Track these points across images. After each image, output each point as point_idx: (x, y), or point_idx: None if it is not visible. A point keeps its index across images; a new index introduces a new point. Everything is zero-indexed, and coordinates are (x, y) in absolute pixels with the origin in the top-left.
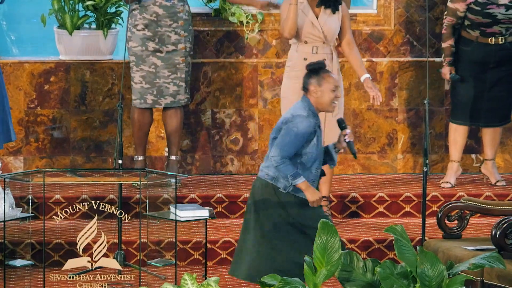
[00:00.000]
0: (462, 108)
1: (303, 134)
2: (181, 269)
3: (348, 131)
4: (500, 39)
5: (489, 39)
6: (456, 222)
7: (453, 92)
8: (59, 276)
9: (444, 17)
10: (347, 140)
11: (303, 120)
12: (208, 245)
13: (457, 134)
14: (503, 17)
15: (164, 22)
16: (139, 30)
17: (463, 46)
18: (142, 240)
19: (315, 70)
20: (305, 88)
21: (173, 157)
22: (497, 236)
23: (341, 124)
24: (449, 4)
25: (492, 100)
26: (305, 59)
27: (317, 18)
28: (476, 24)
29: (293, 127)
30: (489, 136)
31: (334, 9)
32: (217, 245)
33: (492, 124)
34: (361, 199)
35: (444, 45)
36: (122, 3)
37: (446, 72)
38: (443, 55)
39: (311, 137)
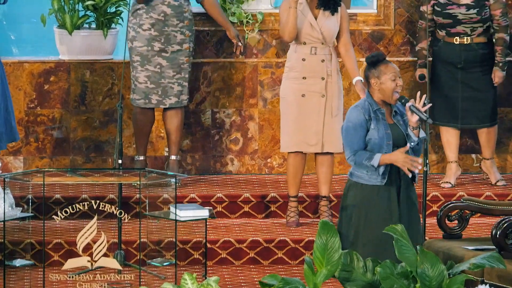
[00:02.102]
0: (440, 108)
1: (355, 124)
2: (181, 268)
3: (409, 103)
4: (465, 39)
5: (454, 38)
6: (456, 222)
7: (433, 94)
8: (59, 276)
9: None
10: (410, 107)
11: (352, 112)
12: (208, 245)
13: (448, 135)
14: (464, 17)
15: (171, 21)
16: (144, 30)
17: (433, 46)
18: (142, 239)
19: (373, 63)
20: (367, 82)
21: (173, 157)
22: (497, 236)
23: (401, 100)
24: (421, 8)
25: (467, 101)
26: (303, 60)
27: (316, 19)
28: (440, 24)
29: (346, 123)
30: (484, 136)
31: (333, 11)
32: (217, 245)
33: (478, 124)
34: None
35: (417, 48)
36: (122, 3)
37: (417, 74)
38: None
39: (367, 124)
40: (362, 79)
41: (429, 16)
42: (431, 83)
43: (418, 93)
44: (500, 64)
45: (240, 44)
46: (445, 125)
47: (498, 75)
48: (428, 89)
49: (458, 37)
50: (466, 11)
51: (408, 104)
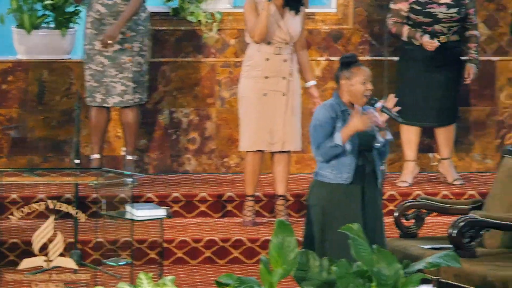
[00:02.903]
0: (408, 107)
1: (321, 122)
2: (137, 268)
3: (378, 104)
4: (442, 38)
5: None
6: (413, 221)
7: (399, 91)
8: (14, 276)
9: (387, 19)
10: (379, 108)
11: (319, 110)
12: (164, 245)
13: (409, 133)
14: (444, 16)
15: (107, 20)
16: (87, 28)
17: (406, 45)
18: (98, 239)
19: (347, 64)
20: (337, 82)
21: (129, 157)
22: (454, 235)
23: (370, 101)
24: (391, 5)
25: (437, 100)
26: (267, 59)
27: (282, 19)
28: (418, 23)
29: (313, 121)
30: (443, 135)
31: (297, 11)
32: (173, 245)
33: (440, 123)
34: None
35: (405, 33)
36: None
37: (428, 39)
38: (413, 39)
39: (334, 123)
40: (316, 83)
41: (405, 14)
42: (398, 82)
43: (391, 95)
44: (475, 61)
45: (102, 40)
46: (410, 123)
47: (472, 72)
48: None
49: (435, 37)
50: (447, 10)
51: (378, 105)
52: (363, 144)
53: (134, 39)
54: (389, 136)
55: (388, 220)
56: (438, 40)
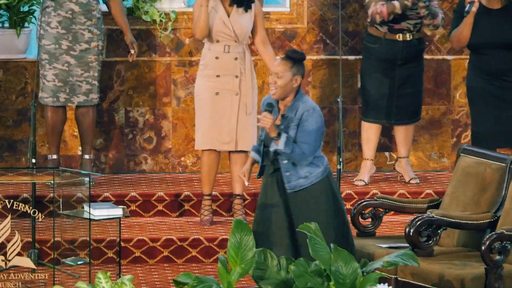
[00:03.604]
0: (373, 106)
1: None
2: (95, 267)
3: (259, 116)
4: (408, 36)
5: (397, 35)
6: (370, 220)
7: (363, 90)
8: None
9: (370, 9)
10: (258, 124)
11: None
12: (122, 244)
13: (370, 132)
14: (411, 13)
15: (79, 19)
16: (52, 28)
17: (370, 43)
18: (56, 238)
19: (300, 60)
20: (290, 77)
21: (86, 156)
22: (411, 233)
23: (263, 106)
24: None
25: (402, 98)
26: (217, 58)
27: (228, 16)
28: (384, 20)
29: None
30: (401, 134)
31: (247, 8)
32: (131, 244)
33: (403, 121)
34: None
35: (398, 5)
36: (35, 1)
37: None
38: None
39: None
40: None
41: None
42: (363, 79)
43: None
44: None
45: (133, 51)
46: (373, 121)
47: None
48: (341, 88)
49: (401, 34)
50: (413, 6)
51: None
52: (265, 145)
53: (99, 38)
54: (280, 146)
55: None
56: (404, 38)
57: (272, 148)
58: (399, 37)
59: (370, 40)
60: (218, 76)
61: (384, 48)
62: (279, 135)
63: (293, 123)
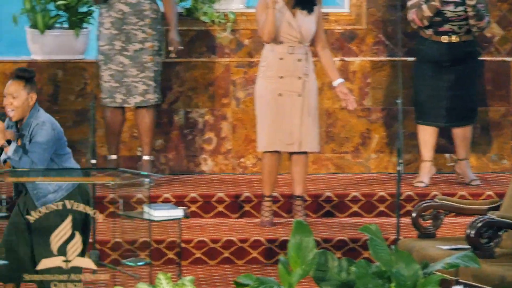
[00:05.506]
0: (424, 108)
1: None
2: (156, 268)
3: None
4: (453, 38)
5: (442, 37)
6: (430, 221)
7: (415, 92)
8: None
9: (408, 14)
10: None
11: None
12: (183, 245)
13: (425, 134)
14: (452, 15)
15: (130, 20)
16: (106, 29)
17: (419, 45)
18: (116, 239)
19: (32, 78)
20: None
21: (146, 157)
22: (472, 235)
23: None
24: (408, 2)
25: (452, 100)
26: (281, 59)
27: (294, 18)
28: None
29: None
30: (459, 136)
31: (310, 10)
32: (191, 245)
33: (456, 124)
34: (335, 198)
35: (426, 9)
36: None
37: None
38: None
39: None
40: (343, 81)
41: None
42: (415, 82)
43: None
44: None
45: (171, 49)
46: (426, 124)
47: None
48: (401, 89)
49: (446, 36)
50: (454, 8)
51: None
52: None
53: (155, 38)
54: (9, 153)
55: (405, 220)
56: (450, 40)
57: (3, 157)
58: (444, 39)
59: (419, 43)
60: (281, 77)
61: (430, 50)
62: (8, 142)
63: (28, 139)
